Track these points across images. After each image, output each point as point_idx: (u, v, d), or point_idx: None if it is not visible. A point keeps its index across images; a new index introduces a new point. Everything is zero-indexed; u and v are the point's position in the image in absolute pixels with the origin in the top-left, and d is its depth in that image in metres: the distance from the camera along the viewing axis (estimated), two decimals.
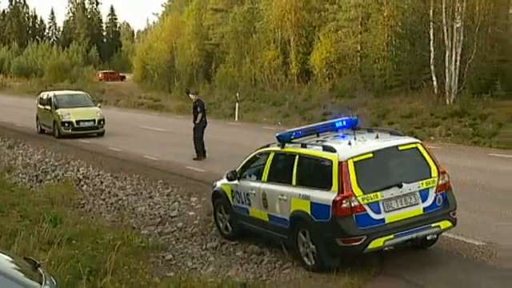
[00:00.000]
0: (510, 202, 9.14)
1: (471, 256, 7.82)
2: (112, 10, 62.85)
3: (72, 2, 60.49)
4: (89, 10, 59.28)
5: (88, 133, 20.65)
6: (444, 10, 21.28)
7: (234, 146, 15.52)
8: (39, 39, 58.57)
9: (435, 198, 7.48)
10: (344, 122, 8.53)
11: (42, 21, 66.36)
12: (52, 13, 66.63)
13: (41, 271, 3.99)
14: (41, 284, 3.65)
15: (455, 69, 21.32)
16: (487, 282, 6.79)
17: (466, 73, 21.11)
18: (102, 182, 13.86)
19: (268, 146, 9.02)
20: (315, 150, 7.71)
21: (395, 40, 24.33)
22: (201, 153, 15.30)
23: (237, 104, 26.33)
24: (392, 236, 6.96)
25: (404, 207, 7.29)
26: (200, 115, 15.29)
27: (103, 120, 21.03)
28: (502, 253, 7.59)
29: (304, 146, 8.07)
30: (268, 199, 8.48)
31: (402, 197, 7.26)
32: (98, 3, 61.27)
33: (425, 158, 7.70)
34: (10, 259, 4.12)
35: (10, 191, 12.50)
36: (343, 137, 8.17)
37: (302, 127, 9.54)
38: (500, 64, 21.24)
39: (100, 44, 57.58)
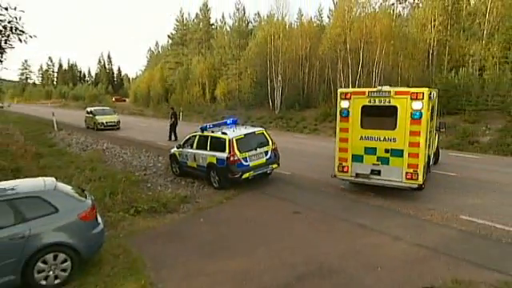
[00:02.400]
0: (307, 156, 12.78)
1: (285, 179, 12.84)
2: (119, 68, 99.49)
3: (99, 63, 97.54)
4: (107, 67, 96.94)
5: (111, 128, 30.29)
6: (274, 72, 34.44)
7: (180, 134, 22.22)
8: (83, 81, 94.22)
9: (271, 155, 12.12)
10: (231, 121, 13.06)
11: (82, 72, 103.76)
12: (89, 69, 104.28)
13: (86, 193, 7.06)
14: (86, 198, 6.82)
15: (279, 97, 34.95)
16: (291, 188, 11.74)
17: (283, 99, 34.72)
18: (115, 151, 20.10)
19: (196, 132, 13.16)
20: (218, 134, 11.99)
21: (253, 84, 39.55)
22: (170, 137, 22.96)
23: (181, 113, 36.38)
24: (253, 172, 11.67)
25: (258, 159, 11.85)
26: (173, 119, 23.61)
27: (119, 121, 31.73)
28: (295, 175, 13.02)
29: (212, 132, 12.34)
30: (196, 157, 12.75)
31: (257, 154, 11.83)
32: (112, 64, 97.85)
33: (266, 137, 12.28)
34: (71, 187, 7.11)
35: (70, 155, 18.20)
36: (231, 128, 12.50)
37: (211, 123, 13.59)
38: (297, 95, 34.20)
39: (113, 84, 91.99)
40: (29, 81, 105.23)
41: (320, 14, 46.54)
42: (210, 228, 8.98)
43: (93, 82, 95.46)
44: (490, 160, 15.77)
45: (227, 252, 7.56)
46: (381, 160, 10.06)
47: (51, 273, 6.23)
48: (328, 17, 43.28)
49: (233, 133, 11.81)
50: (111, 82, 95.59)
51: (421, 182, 9.59)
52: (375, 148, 10.10)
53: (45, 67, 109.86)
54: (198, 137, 12.88)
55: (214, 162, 11.85)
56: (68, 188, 7.17)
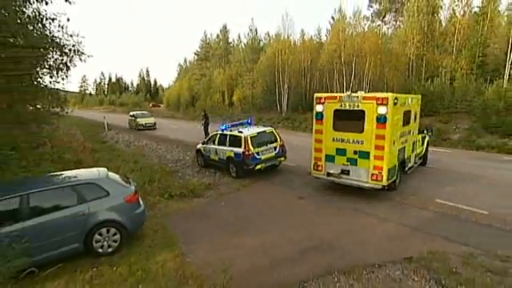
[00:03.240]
0: (309, 150, 10.63)
1: (291, 170, 12.67)
2: (155, 79, 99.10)
3: (139, 76, 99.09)
4: (146, 79, 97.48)
5: (149, 128, 30.37)
6: (281, 81, 33.38)
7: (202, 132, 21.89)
8: (127, 91, 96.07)
9: (279, 150, 12.02)
10: (247, 122, 13.06)
11: (126, 83, 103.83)
12: (132, 81, 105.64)
13: (130, 180, 7.37)
14: (130, 185, 7.08)
15: (285, 102, 34.11)
16: (296, 177, 11.68)
17: (289, 103, 33.80)
18: (152, 147, 20.15)
19: (217, 131, 13.08)
20: (235, 132, 11.93)
21: (264, 91, 38.44)
22: (206, 136, 22.02)
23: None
24: (264, 164, 11.61)
25: (268, 153, 11.74)
26: (205, 120, 22.46)
27: (155, 123, 31.54)
28: (299, 166, 12.53)
29: (231, 130, 12.27)
30: (217, 151, 12.64)
31: (267, 149, 11.72)
32: (149, 77, 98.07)
33: (275, 135, 12.16)
34: (118, 176, 7.40)
35: (117, 150, 18.28)
36: (246, 127, 12.44)
37: (230, 123, 13.55)
38: (300, 100, 33.25)
39: (150, 92, 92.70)
40: (86, 91, 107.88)
41: (319, 33, 45.78)
42: (229, 210, 9.03)
43: (134, 92, 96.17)
44: (459, 154, 15.61)
45: (244, 230, 7.60)
46: (350, 161, 9.26)
47: (105, 243, 6.51)
48: (325, 35, 42.72)
49: (247, 131, 11.78)
50: (149, 91, 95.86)
51: (385, 184, 8.69)
52: (345, 149, 9.31)
53: (98, 80, 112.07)
54: (218, 135, 12.88)
55: (232, 155, 11.85)
56: (116, 176, 7.32)
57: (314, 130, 9.95)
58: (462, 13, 27.49)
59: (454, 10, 28.36)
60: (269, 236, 7.19)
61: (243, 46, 49.38)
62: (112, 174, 7.25)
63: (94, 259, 6.27)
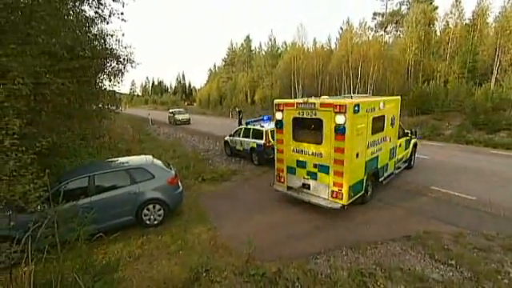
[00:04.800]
0: None
1: None
2: (189, 82, 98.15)
3: (177, 79, 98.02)
4: (182, 82, 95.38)
5: (184, 123, 29.93)
6: (296, 83, 33.03)
7: (229, 127, 22.35)
8: (166, 92, 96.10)
9: None
10: (267, 118, 12.83)
11: (166, 86, 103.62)
12: (170, 84, 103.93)
13: (170, 166, 7.47)
14: (171, 170, 7.13)
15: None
16: None
17: None
18: (187, 138, 19.84)
19: (241, 125, 13.05)
20: (257, 127, 11.76)
21: (281, 92, 36.28)
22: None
23: (232, 111, 37.16)
24: None
25: None
26: (240, 116, 21.08)
27: (190, 118, 31.04)
28: None
29: (253, 125, 12.10)
30: (242, 143, 12.49)
31: None
32: (184, 80, 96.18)
33: None
34: (161, 162, 7.37)
35: (159, 141, 18.28)
36: (266, 122, 12.26)
37: (252, 119, 13.49)
38: None
39: (185, 93, 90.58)
40: (134, 93, 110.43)
41: (329, 41, 44.44)
42: (252, 192, 9.01)
43: (173, 92, 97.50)
44: (451, 147, 14.94)
45: (264, 209, 7.58)
46: (310, 174, 7.15)
47: (152, 217, 6.67)
48: (335, 43, 41.56)
49: (268, 126, 11.59)
50: (184, 92, 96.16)
51: (345, 203, 6.53)
52: (305, 162, 7.19)
53: (144, 83, 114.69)
54: (243, 129, 12.79)
55: (255, 146, 11.74)
56: (160, 162, 7.39)
57: (275, 140, 8.02)
58: (454, 24, 26.78)
59: (447, 21, 27.69)
60: (285, 214, 7.16)
61: (263, 53, 49.03)
62: (156, 160, 7.34)
63: (143, 229, 6.45)
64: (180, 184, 7.30)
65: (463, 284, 4.37)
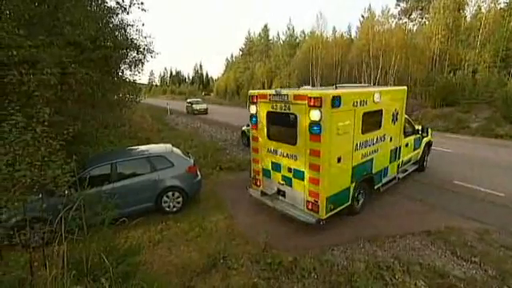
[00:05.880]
0: None
1: None
2: (206, 72, 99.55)
3: (194, 70, 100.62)
4: (199, 72, 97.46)
5: (202, 113, 29.81)
6: (314, 73, 32.26)
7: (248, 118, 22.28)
8: (184, 82, 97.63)
9: None
10: None
11: (184, 76, 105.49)
12: (188, 74, 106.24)
13: (189, 155, 7.62)
14: (189, 158, 7.25)
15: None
16: None
17: None
18: (205, 128, 19.88)
19: None
20: None
21: (299, 82, 34.17)
22: None
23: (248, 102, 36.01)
24: None
25: None
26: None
27: (207, 108, 30.76)
28: None
29: None
30: None
31: None
32: (202, 70, 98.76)
33: None
34: (180, 151, 7.62)
35: (177, 131, 18.51)
36: None
37: None
38: None
39: (203, 83, 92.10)
40: (153, 83, 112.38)
41: (349, 30, 43.28)
42: None
43: (190, 83, 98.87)
44: (478, 140, 14.29)
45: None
46: (285, 180, 6.00)
47: (171, 204, 6.85)
48: (355, 32, 40.31)
49: None
50: (201, 82, 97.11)
51: (322, 217, 5.38)
52: (280, 164, 6.05)
53: (162, 74, 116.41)
54: None
55: None
56: (179, 151, 7.51)
57: (250, 137, 6.89)
58: (488, 9, 24.99)
59: (479, 6, 25.97)
60: None
61: (281, 43, 48.39)
62: (175, 149, 7.46)
63: (163, 216, 6.63)
64: (198, 172, 7.41)
65: (487, 282, 4.24)
